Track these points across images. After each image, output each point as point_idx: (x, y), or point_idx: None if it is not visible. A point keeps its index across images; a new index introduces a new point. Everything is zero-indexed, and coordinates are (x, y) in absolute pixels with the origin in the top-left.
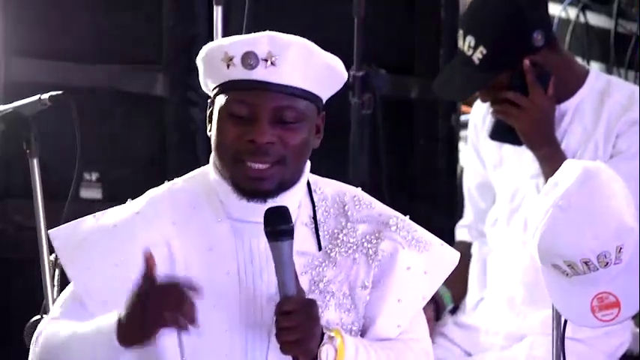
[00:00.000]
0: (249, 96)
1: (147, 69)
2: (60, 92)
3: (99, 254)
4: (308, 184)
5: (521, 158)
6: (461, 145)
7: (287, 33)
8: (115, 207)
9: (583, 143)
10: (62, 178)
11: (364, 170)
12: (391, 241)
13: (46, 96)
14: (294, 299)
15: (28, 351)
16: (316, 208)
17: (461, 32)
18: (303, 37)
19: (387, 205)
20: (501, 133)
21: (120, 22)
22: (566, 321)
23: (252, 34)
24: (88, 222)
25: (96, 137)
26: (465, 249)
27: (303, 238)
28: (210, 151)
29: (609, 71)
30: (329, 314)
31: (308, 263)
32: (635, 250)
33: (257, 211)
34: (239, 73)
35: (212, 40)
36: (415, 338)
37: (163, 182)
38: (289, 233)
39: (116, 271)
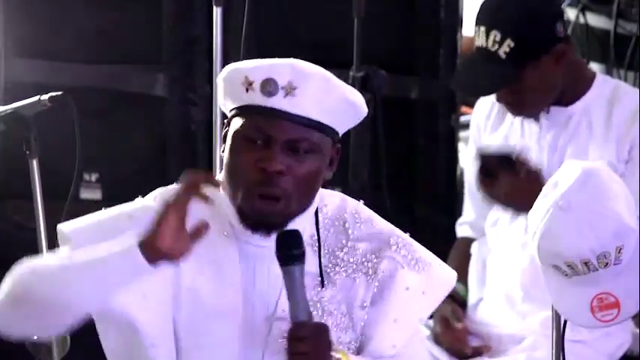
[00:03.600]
0: (265, 123)
1: (147, 69)
2: (60, 92)
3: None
4: None
5: None
6: (461, 145)
7: (286, 33)
8: (129, 203)
9: (593, 147)
10: (62, 178)
11: (364, 170)
12: (391, 261)
13: (46, 96)
14: (307, 325)
15: (28, 351)
16: (320, 227)
17: (482, 29)
18: (303, 37)
19: (387, 205)
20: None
21: (120, 22)
22: (565, 322)
23: (276, 60)
24: (98, 213)
25: (96, 137)
26: (469, 245)
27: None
28: (210, 152)
29: (609, 72)
30: None
31: (308, 283)
32: (635, 250)
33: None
34: (257, 98)
35: (212, 40)
36: (413, 356)
37: (163, 182)
38: (301, 258)
39: None
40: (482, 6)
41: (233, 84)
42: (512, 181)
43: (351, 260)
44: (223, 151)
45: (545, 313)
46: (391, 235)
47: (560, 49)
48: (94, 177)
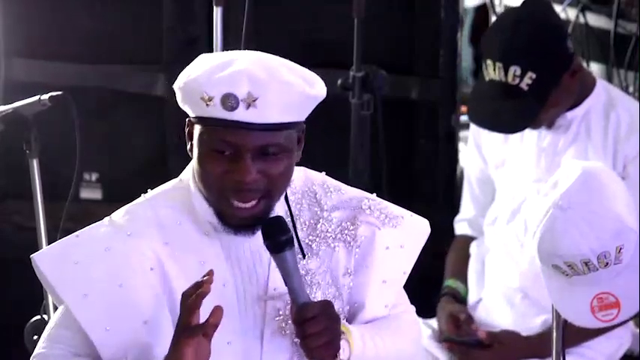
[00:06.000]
0: (231, 135)
1: (147, 69)
2: (60, 92)
3: (96, 280)
4: None
5: (525, 161)
6: (461, 145)
7: (286, 33)
8: (96, 224)
9: (591, 152)
10: (62, 178)
11: (364, 170)
12: (367, 225)
13: (46, 96)
14: (313, 304)
15: (28, 351)
16: (290, 203)
17: (499, 65)
18: (303, 37)
19: None
20: None
21: (120, 22)
22: (566, 322)
23: (230, 71)
24: (73, 243)
25: (96, 137)
26: (468, 242)
27: None
28: None
29: (609, 72)
30: None
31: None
32: (635, 250)
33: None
34: (219, 112)
35: (212, 40)
36: (403, 310)
37: (164, 182)
38: (290, 242)
39: (116, 297)
40: (491, 40)
41: (191, 96)
42: (488, 354)
43: (329, 230)
44: (189, 150)
45: (544, 314)
46: (362, 199)
47: (576, 64)
48: (94, 177)
